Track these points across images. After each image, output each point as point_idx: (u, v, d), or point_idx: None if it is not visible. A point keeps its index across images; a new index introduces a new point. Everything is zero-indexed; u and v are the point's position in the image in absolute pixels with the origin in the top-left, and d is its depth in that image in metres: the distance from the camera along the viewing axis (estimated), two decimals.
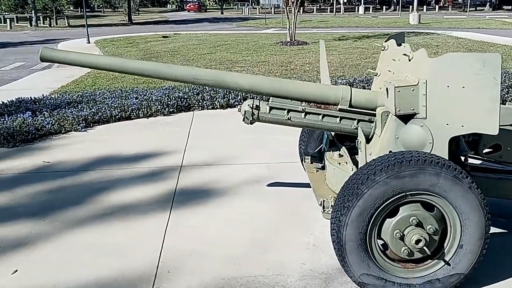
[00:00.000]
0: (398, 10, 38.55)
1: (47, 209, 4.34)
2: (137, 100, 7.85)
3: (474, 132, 3.02)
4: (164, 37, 23.42)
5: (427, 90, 3.02)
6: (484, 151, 3.62)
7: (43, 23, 37.85)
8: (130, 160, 5.63)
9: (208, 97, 8.07)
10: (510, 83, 8.29)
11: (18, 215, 4.24)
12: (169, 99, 7.87)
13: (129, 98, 8.05)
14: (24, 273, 3.39)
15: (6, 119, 6.82)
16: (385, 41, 3.97)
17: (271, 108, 3.61)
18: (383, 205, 2.86)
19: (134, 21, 38.08)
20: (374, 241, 2.95)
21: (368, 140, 3.68)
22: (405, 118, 3.15)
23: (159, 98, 7.88)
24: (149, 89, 8.75)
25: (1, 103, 8.00)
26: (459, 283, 3.00)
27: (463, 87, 2.94)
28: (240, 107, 3.64)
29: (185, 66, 3.73)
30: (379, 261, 2.99)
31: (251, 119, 3.63)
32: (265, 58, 14.42)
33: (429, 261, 3.01)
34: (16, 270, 3.42)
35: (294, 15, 17.90)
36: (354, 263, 2.95)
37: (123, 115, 7.43)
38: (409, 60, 3.34)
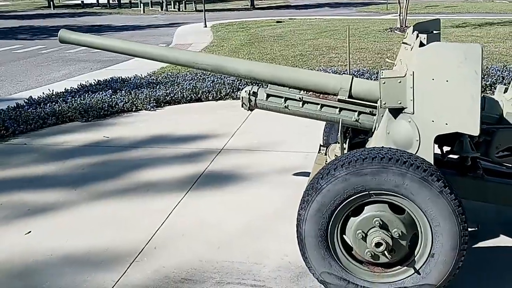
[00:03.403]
0: None
1: (82, 180, 4.72)
2: (212, 83, 8.08)
3: (456, 131, 2.72)
4: (278, 22, 23.58)
5: (414, 83, 2.77)
6: (497, 154, 3.22)
7: (173, 8, 40.09)
8: (178, 140, 5.87)
9: None
10: None
11: (57, 184, 4.67)
12: (240, 83, 8.00)
13: (206, 81, 8.29)
14: (36, 235, 3.76)
15: (87, 96, 7.44)
16: (408, 28, 3.68)
17: (268, 96, 3.57)
18: (345, 203, 2.70)
19: (256, 6, 38.80)
20: (336, 239, 2.81)
21: (372, 134, 3.50)
22: (396, 113, 2.92)
23: (230, 82, 8.04)
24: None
25: (96, 81, 8.72)
26: None
27: (447, 81, 2.66)
28: (240, 93, 3.64)
29: (188, 51, 3.79)
30: (343, 261, 2.83)
31: (248, 105, 3.62)
32: (365, 45, 13.93)
33: (398, 267, 2.79)
34: (30, 231, 3.80)
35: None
36: (314, 259, 2.83)
37: (193, 96, 7.71)
38: (411, 50, 3.09)
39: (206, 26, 22.45)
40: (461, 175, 3.28)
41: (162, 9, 38.81)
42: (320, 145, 4.17)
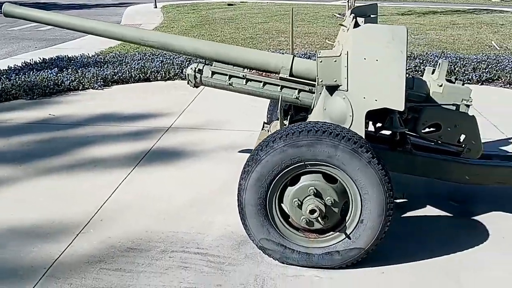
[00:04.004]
0: None
1: (28, 157, 4.71)
2: (161, 63, 8.09)
3: (384, 107, 2.94)
4: (229, 4, 23.54)
5: (348, 62, 2.97)
6: (424, 130, 3.50)
7: None
8: (126, 118, 5.91)
9: None
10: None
11: (1, 160, 4.65)
12: (189, 64, 8.03)
13: (155, 61, 8.28)
14: None
15: (32, 74, 7.30)
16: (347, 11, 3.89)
17: (213, 73, 3.69)
18: (282, 173, 2.89)
19: None
20: (274, 207, 3.00)
21: (311, 111, 3.69)
22: (332, 90, 3.12)
23: (179, 62, 8.08)
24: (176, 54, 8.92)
25: (41, 59, 8.55)
26: (360, 258, 3.00)
27: (377, 60, 2.87)
28: (185, 70, 3.75)
29: (134, 27, 3.85)
30: (280, 228, 3.03)
31: (194, 82, 3.74)
32: (314, 29, 14.21)
33: (331, 233, 3.02)
34: None
35: None
36: (253, 227, 3.02)
37: (142, 76, 7.71)
38: (347, 31, 3.29)
39: (156, 7, 22.12)
40: (392, 150, 3.55)
41: None
42: (264, 123, 4.33)
